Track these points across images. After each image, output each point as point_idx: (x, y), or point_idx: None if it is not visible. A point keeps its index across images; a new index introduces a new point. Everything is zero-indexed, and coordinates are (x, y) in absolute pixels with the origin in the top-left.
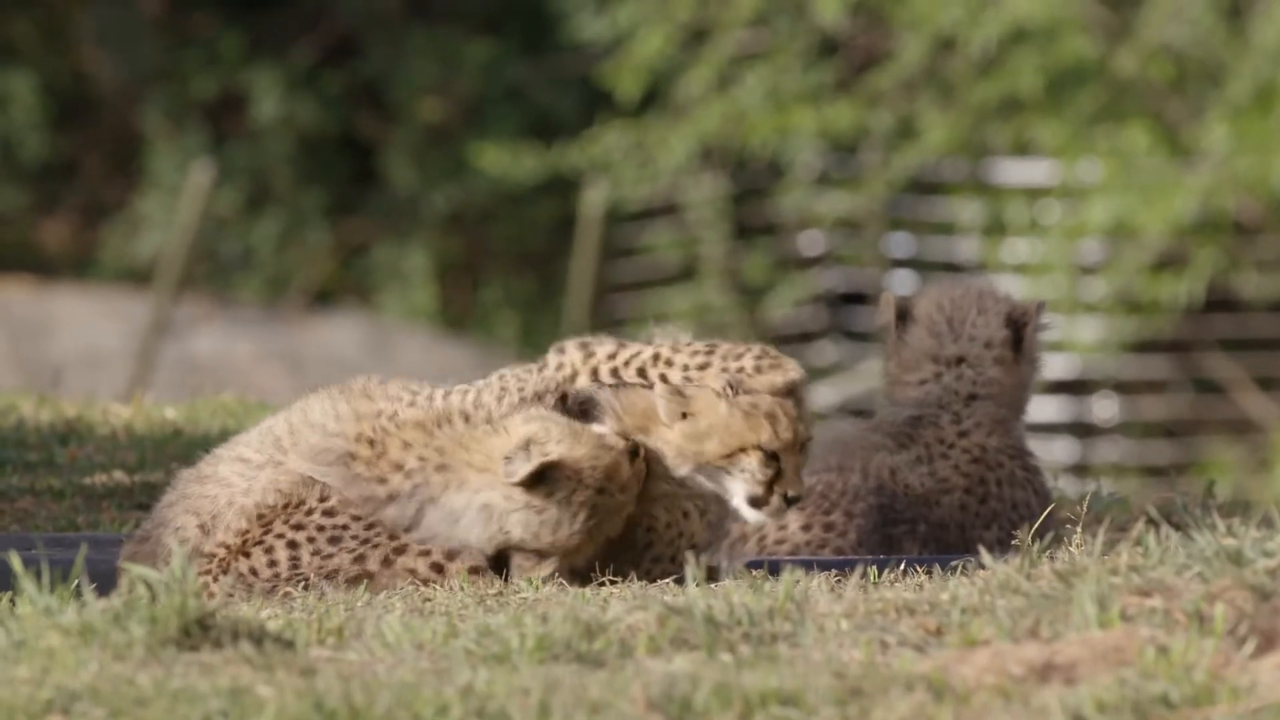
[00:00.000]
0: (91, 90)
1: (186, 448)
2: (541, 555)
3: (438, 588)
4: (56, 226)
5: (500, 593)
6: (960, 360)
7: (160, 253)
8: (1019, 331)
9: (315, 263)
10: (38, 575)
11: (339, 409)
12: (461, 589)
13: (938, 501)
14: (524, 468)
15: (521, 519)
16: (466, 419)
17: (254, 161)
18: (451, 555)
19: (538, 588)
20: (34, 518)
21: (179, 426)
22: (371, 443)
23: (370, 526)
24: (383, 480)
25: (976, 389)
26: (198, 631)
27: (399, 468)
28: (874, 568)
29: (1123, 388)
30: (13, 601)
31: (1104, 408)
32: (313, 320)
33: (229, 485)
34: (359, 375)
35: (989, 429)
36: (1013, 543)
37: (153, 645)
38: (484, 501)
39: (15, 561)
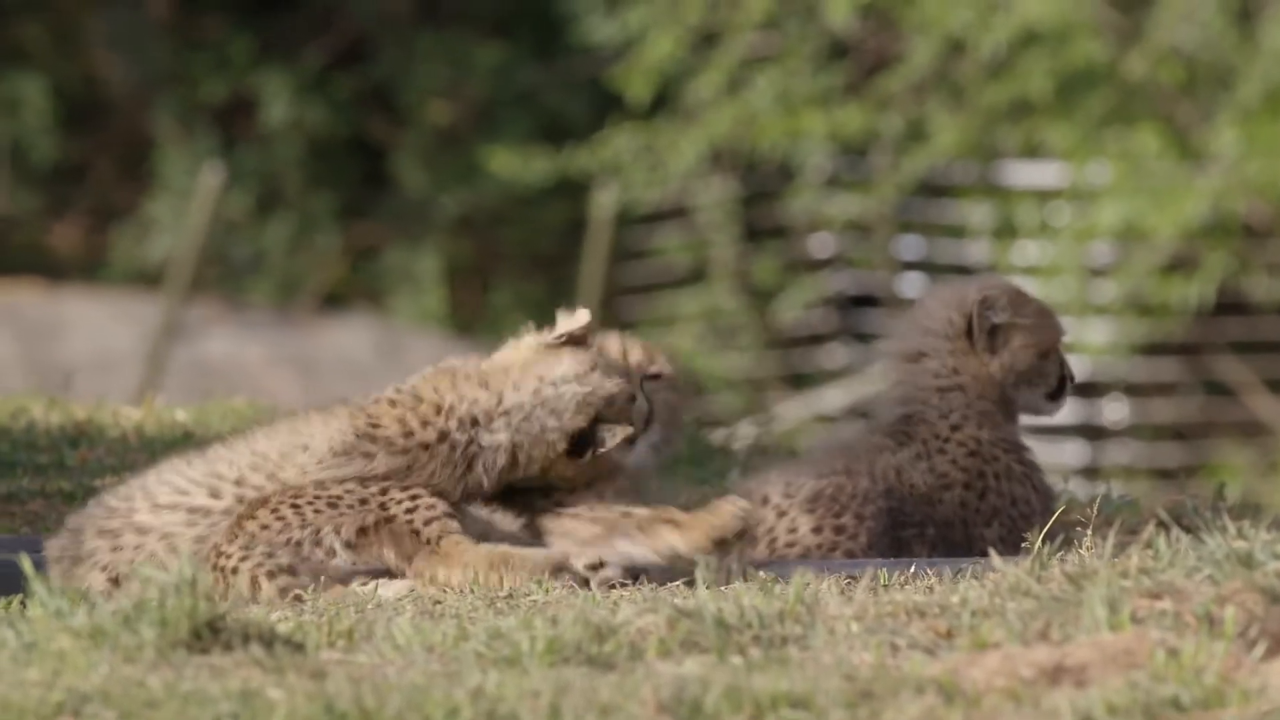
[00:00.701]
0: (102, 93)
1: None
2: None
3: (447, 590)
4: (67, 229)
5: (510, 595)
6: (921, 355)
7: (171, 256)
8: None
9: (326, 266)
10: (48, 578)
11: (331, 421)
12: (472, 591)
13: (940, 499)
14: (569, 323)
15: (599, 376)
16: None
17: (264, 165)
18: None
19: (547, 590)
20: (44, 520)
21: (190, 429)
22: (393, 402)
23: (364, 498)
24: (426, 424)
25: (941, 380)
26: (208, 634)
27: (438, 409)
28: (884, 570)
29: (1133, 390)
30: (23, 604)
31: (1114, 410)
32: (323, 323)
33: (168, 536)
34: (368, 381)
35: (978, 421)
36: (1022, 544)
37: (163, 648)
38: (562, 373)
39: (26, 564)
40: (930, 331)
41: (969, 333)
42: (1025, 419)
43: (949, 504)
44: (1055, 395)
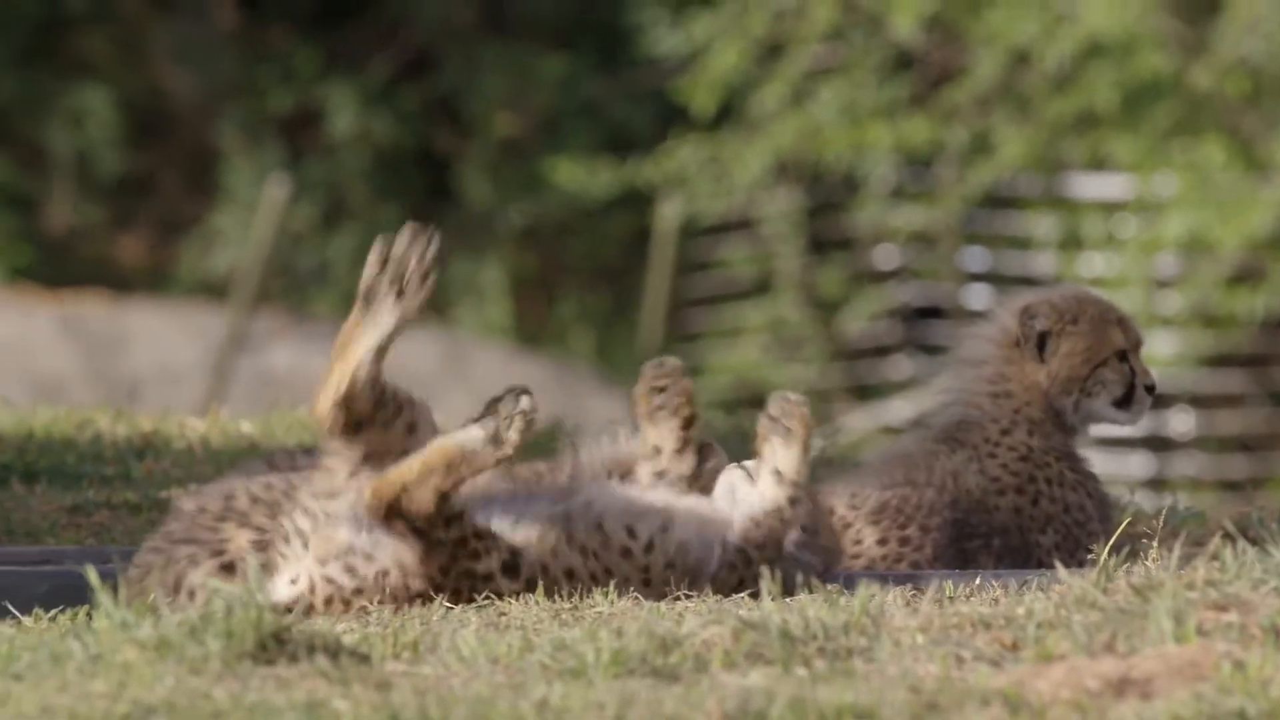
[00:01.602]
0: (167, 105)
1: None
2: None
3: (513, 601)
4: (133, 242)
5: (575, 607)
6: (980, 361)
7: (236, 267)
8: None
9: None
10: (114, 589)
11: None
12: (537, 603)
13: (996, 505)
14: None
15: None
16: None
17: (330, 176)
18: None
19: (613, 601)
20: (110, 532)
21: (255, 440)
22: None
23: None
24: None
25: (994, 387)
26: (274, 645)
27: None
28: (950, 582)
29: (1199, 402)
30: (89, 615)
31: (1180, 422)
32: None
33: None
34: (435, 391)
35: (1028, 429)
36: (1080, 551)
37: (229, 659)
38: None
39: (92, 575)
40: (988, 338)
41: (1019, 340)
42: (1096, 430)
43: (1004, 510)
44: (1123, 403)
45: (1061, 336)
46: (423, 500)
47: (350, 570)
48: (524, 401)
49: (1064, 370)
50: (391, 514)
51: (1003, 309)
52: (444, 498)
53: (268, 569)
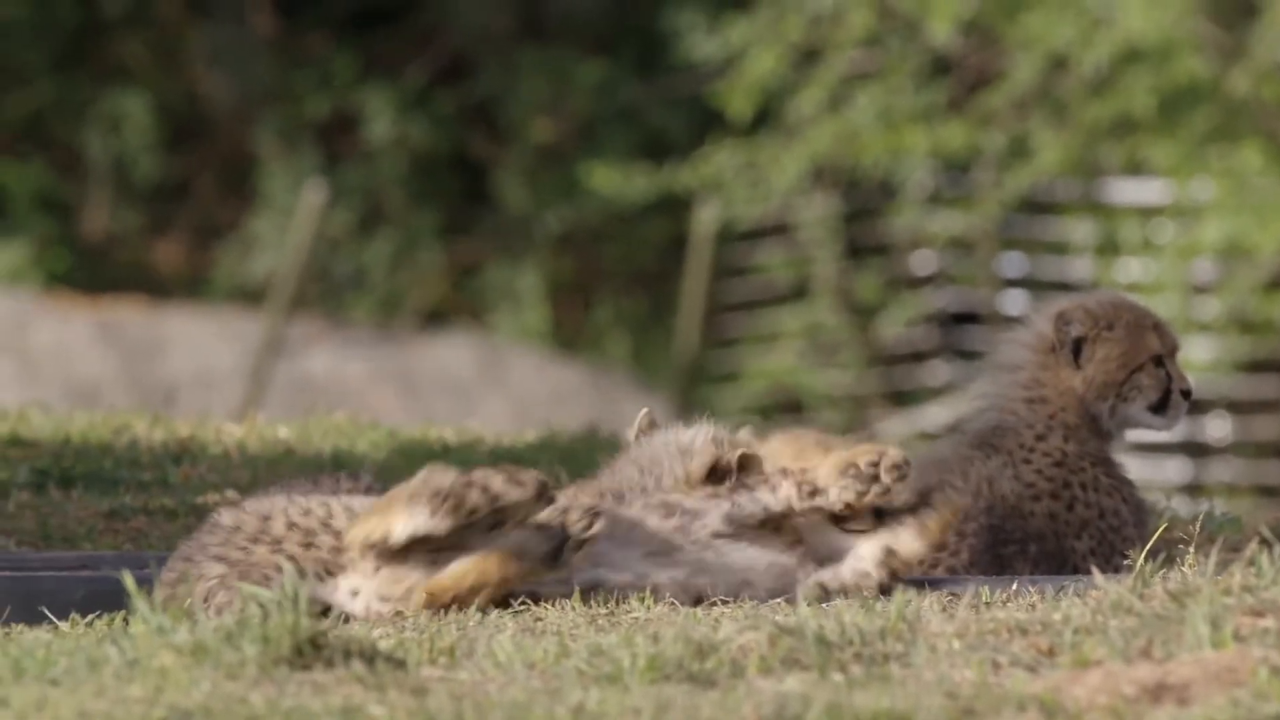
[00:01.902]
0: (204, 110)
1: (299, 467)
2: None
3: (549, 606)
4: (170, 247)
5: (611, 612)
6: (1016, 366)
7: (273, 273)
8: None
9: (427, 283)
10: (150, 594)
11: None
12: (573, 608)
13: (1030, 511)
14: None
15: None
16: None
17: (366, 182)
18: None
19: (649, 607)
20: (147, 537)
21: (292, 446)
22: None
23: None
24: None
25: (1029, 392)
26: (310, 650)
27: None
28: (986, 587)
29: (1236, 407)
30: (126, 620)
31: (1217, 427)
32: (425, 340)
33: None
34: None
35: (1063, 434)
36: (1116, 557)
37: (265, 664)
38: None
39: (129, 580)
40: (1024, 344)
41: (1055, 346)
42: (1132, 435)
43: (1039, 515)
44: (1159, 409)
45: (1097, 342)
46: (479, 602)
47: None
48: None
49: (1100, 375)
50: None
51: (1038, 314)
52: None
53: (330, 569)
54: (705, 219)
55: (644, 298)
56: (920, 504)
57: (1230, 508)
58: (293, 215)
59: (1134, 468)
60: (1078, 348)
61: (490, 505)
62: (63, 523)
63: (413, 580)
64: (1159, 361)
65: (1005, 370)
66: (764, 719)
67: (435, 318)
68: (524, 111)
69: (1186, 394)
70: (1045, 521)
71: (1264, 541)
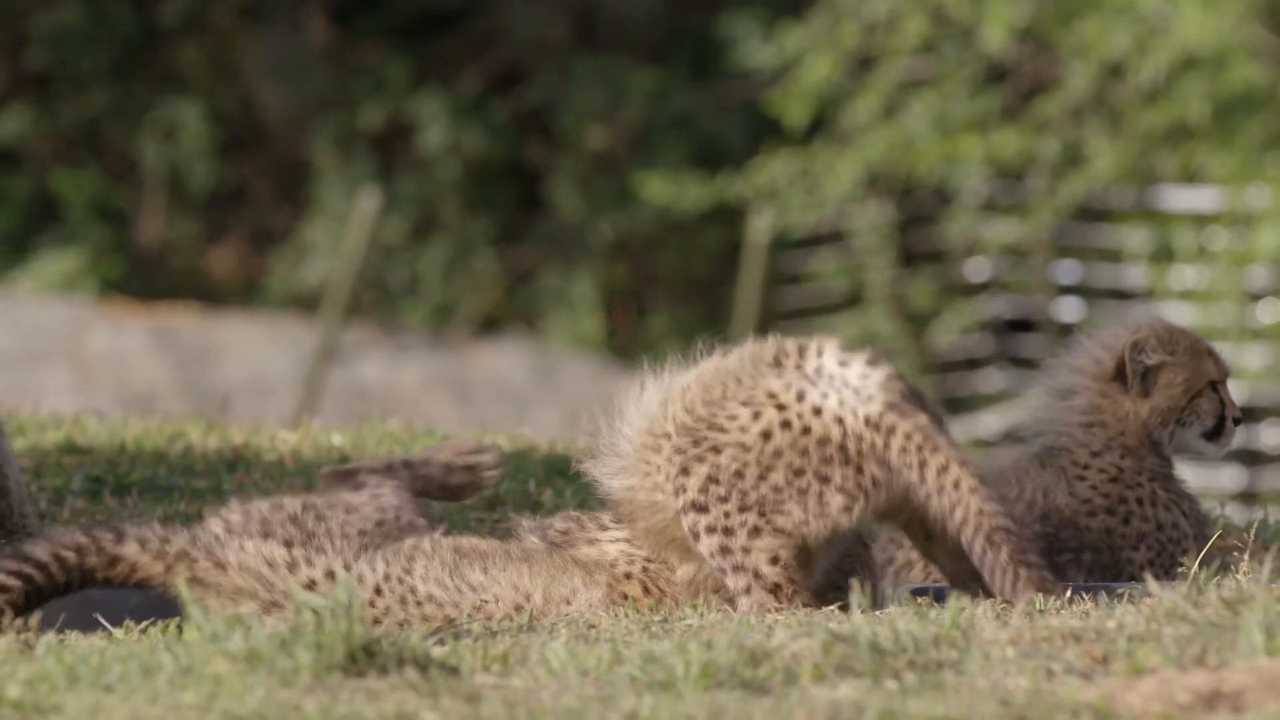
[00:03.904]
0: (259, 119)
1: None
2: None
3: (603, 614)
4: (224, 254)
5: (665, 619)
6: (1070, 392)
7: (327, 280)
8: (1122, 364)
9: (481, 290)
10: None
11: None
12: (626, 616)
13: (1086, 525)
14: None
15: None
16: None
17: (421, 189)
18: None
19: (703, 614)
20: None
21: (346, 453)
22: None
23: None
24: None
25: (1085, 417)
26: (364, 657)
27: None
28: (1040, 595)
29: None
30: (180, 627)
31: (1272, 435)
32: (479, 347)
33: None
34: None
35: (1120, 452)
36: (1173, 569)
37: (319, 671)
38: None
39: (183, 588)
40: (1080, 370)
41: (1117, 375)
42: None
43: (1095, 530)
44: (1213, 435)
45: (1163, 368)
46: None
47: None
48: None
49: (1164, 402)
50: None
51: (1092, 340)
52: None
53: None
54: (759, 227)
55: (698, 305)
56: None
57: None
58: (347, 222)
59: (1188, 476)
60: (1144, 375)
61: None
62: None
63: None
64: (1215, 387)
65: (1059, 397)
66: None
67: (489, 325)
68: (578, 119)
69: (1238, 421)
70: (1101, 536)
71: None
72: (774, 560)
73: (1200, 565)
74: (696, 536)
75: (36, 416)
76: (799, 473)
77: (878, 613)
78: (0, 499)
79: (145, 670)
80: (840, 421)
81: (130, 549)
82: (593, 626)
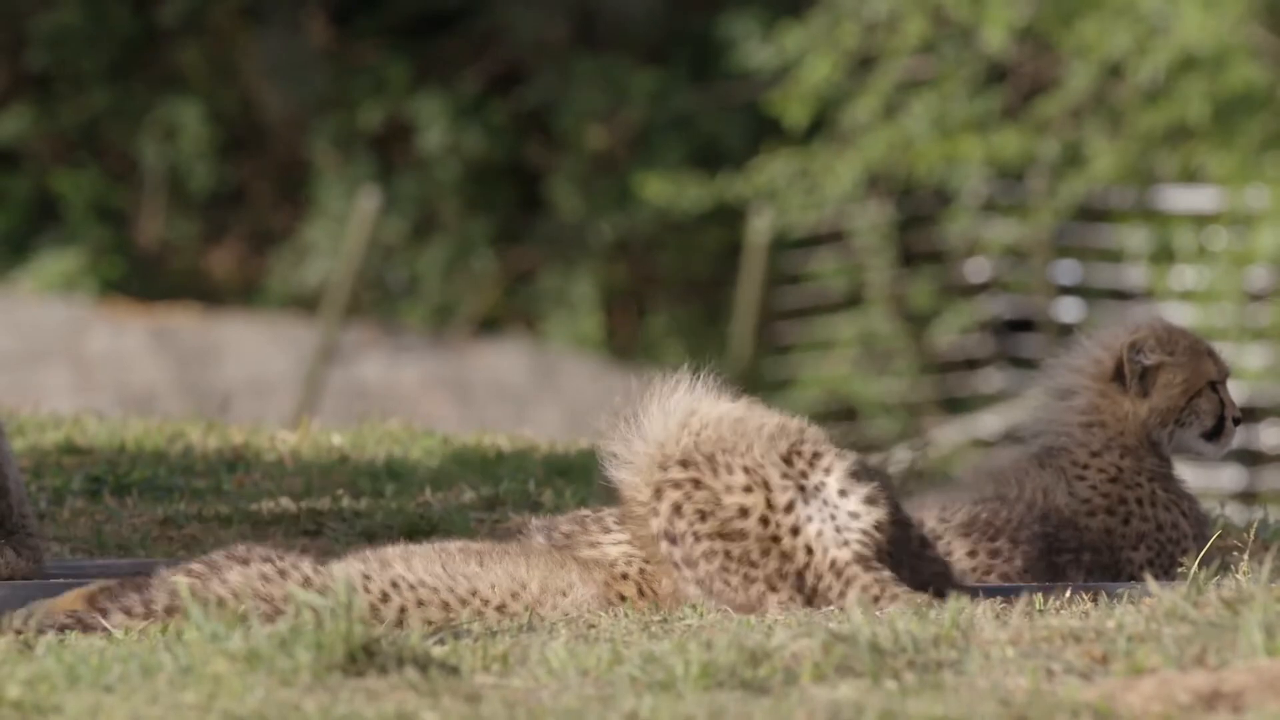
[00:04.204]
0: (259, 119)
1: (353, 474)
2: None
3: (603, 614)
4: (224, 254)
5: (665, 619)
6: (1070, 392)
7: (327, 280)
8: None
9: (481, 290)
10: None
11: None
12: (626, 615)
13: (1086, 525)
14: None
15: None
16: None
17: (420, 189)
18: None
19: (702, 615)
20: (201, 544)
21: (345, 453)
22: None
23: None
24: None
25: (1085, 417)
26: (363, 657)
27: None
28: (1039, 595)
29: None
30: (179, 627)
31: (1272, 435)
32: (479, 347)
33: None
34: (526, 403)
35: (1120, 452)
36: (1173, 569)
37: (319, 671)
38: None
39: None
40: (1080, 370)
41: (1116, 375)
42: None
43: (1095, 530)
44: (1212, 436)
45: (1162, 368)
46: None
47: None
48: None
49: (1163, 402)
50: None
51: (1091, 341)
52: None
53: None
54: (759, 227)
55: (698, 306)
56: None
57: None
58: (346, 223)
59: (1188, 476)
60: (1143, 375)
61: None
62: (117, 530)
63: None
64: (1214, 387)
65: (1058, 397)
66: None
67: (489, 325)
68: (578, 119)
69: (1237, 421)
70: (1101, 536)
71: None
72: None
73: (1200, 565)
74: (675, 567)
75: (36, 417)
76: (752, 565)
77: (877, 613)
78: (0, 499)
79: (145, 670)
80: (809, 552)
81: (117, 620)
82: (593, 626)
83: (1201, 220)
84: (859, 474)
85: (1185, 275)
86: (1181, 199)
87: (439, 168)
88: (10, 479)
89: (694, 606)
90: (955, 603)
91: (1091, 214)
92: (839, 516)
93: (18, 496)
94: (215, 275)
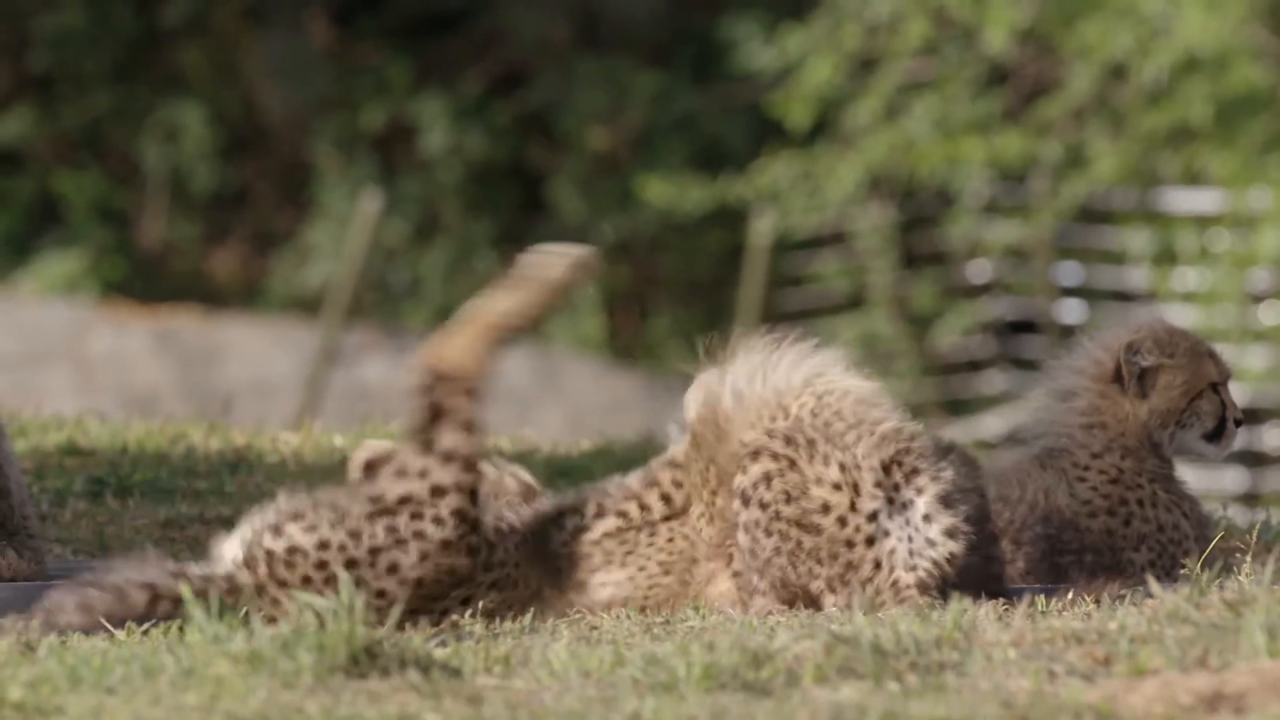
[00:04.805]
0: (261, 120)
1: None
2: None
3: (604, 616)
4: (226, 256)
5: (667, 621)
6: (1070, 394)
7: (329, 282)
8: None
9: (483, 292)
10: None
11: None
12: (628, 617)
13: (1087, 527)
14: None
15: None
16: None
17: (422, 191)
18: None
19: (705, 616)
20: (203, 546)
21: (348, 454)
22: None
23: None
24: None
25: (1086, 419)
26: (365, 659)
27: None
28: (1041, 596)
29: None
30: (182, 629)
31: (1274, 437)
32: None
33: None
34: (528, 405)
35: (1120, 453)
36: (1175, 570)
37: (321, 673)
38: None
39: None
40: (1080, 372)
41: (1116, 376)
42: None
43: (1096, 531)
44: (1214, 437)
45: (1161, 370)
46: None
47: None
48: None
49: (1163, 404)
50: None
51: (1093, 342)
52: None
53: None
54: (761, 229)
55: (700, 307)
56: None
57: None
58: (348, 224)
59: (1190, 478)
60: (1142, 377)
61: None
62: (119, 532)
63: None
64: (1215, 389)
65: (1059, 398)
66: None
67: None
68: (580, 121)
69: (1239, 423)
70: (1102, 537)
71: None
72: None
73: (1202, 567)
74: (737, 526)
75: (38, 418)
76: (819, 562)
77: (879, 615)
78: (1, 500)
79: (147, 672)
80: (877, 566)
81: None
82: (595, 628)
83: (1203, 222)
84: (949, 500)
85: (1187, 277)
86: (1183, 200)
87: (441, 169)
88: (12, 480)
89: (695, 608)
90: (957, 604)
91: (1093, 215)
92: (916, 539)
93: (19, 498)
94: (217, 277)
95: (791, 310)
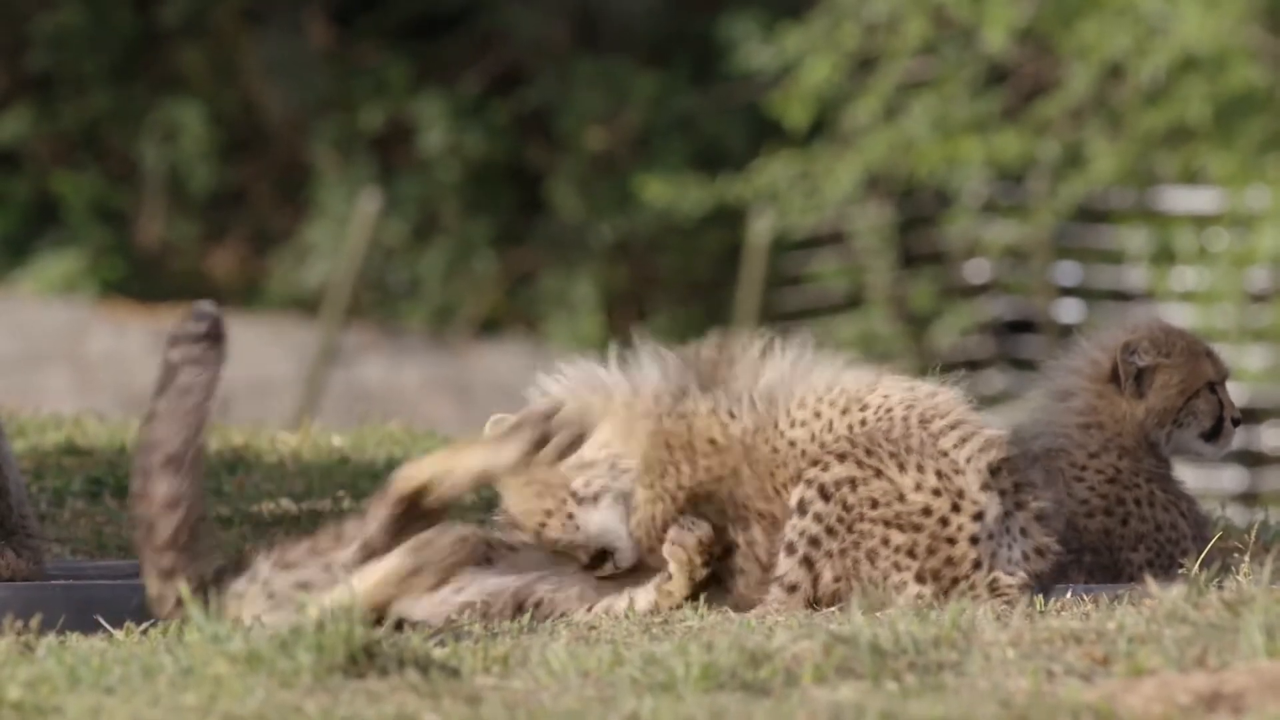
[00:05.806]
0: (260, 120)
1: (353, 475)
2: None
3: (603, 615)
4: (225, 256)
5: (665, 621)
6: (1068, 394)
7: (328, 281)
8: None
9: (482, 292)
10: (205, 602)
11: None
12: (626, 617)
13: (1085, 527)
14: None
15: None
16: None
17: (421, 191)
18: None
19: (703, 615)
20: None
21: (346, 454)
22: None
23: None
24: None
25: (1083, 418)
26: (364, 659)
27: None
28: (1040, 596)
29: None
30: (180, 629)
31: (1273, 436)
32: (479, 349)
33: None
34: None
35: (1118, 453)
36: (1172, 569)
37: (319, 673)
38: None
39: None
40: (1077, 371)
41: (1113, 376)
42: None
43: (1093, 531)
44: (1211, 436)
45: (1158, 370)
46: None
47: None
48: None
49: (1160, 403)
50: None
51: (1090, 342)
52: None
53: None
54: (760, 229)
55: (698, 307)
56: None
57: None
58: (347, 224)
59: (1188, 477)
60: (1139, 376)
61: None
62: (117, 531)
63: None
64: (1212, 388)
65: (1057, 398)
66: None
67: (489, 327)
68: (579, 121)
69: (1236, 422)
70: (1100, 537)
71: None
72: (836, 579)
73: (1200, 566)
74: (800, 511)
75: (37, 418)
76: (911, 555)
77: (878, 615)
78: (0, 499)
79: (146, 672)
80: (977, 566)
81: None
82: (593, 628)
83: (1202, 221)
84: (1044, 520)
85: (1186, 276)
86: (1182, 200)
87: (440, 169)
88: (10, 480)
89: (694, 608)
90: (955, 604)
91: (1092, 215)
92: (1014, 550)
93: (18, 498)
94: (216, 276)
95: (790, 310)
